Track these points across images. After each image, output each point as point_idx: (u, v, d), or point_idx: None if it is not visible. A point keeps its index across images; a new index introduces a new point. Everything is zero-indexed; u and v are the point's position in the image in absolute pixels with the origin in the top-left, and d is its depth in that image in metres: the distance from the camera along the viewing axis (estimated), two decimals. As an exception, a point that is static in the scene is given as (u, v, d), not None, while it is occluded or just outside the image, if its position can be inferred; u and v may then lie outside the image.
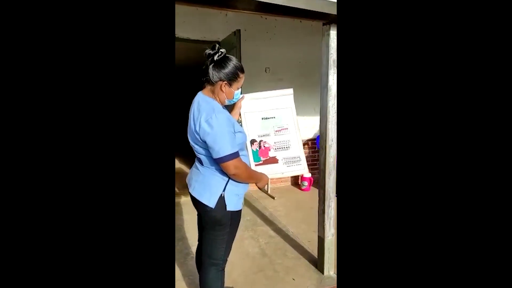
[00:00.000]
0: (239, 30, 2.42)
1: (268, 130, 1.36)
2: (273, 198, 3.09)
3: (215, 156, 1.04)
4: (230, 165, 1.04)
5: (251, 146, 1.33)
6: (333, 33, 1.52)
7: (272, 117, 1.36)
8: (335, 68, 1.57)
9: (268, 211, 2.75)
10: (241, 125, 1.32)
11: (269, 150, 1.35)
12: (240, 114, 1.33)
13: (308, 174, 3.36)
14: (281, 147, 1.37)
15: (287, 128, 1.37)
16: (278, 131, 1.36)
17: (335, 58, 1.56)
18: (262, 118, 1.36)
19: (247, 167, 1.14)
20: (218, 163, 1.06)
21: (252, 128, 1.34)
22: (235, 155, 1.04)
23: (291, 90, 1.39)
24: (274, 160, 1.34)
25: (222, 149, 1.02)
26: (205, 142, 1.05)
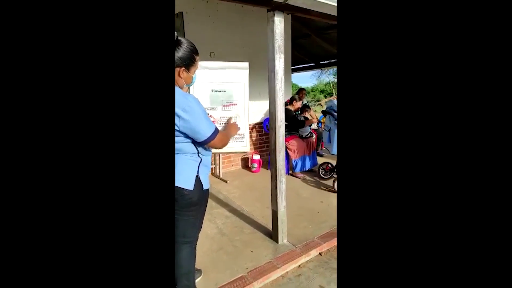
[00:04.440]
0: (182, 12, 2.35)
1: (216, 104, 1.29)
2: (226, 182, 3.17)
3: (201, 139, 1.06)
4: (216, 141, 1.10)
5: None
6: (277, 19, 1.62)
7: (222, 91, 1.29)
8: (281, 53, 1.68)
9: (222, 194, 2.83)
10: None
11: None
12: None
13: (257, 156, 3.52)
14: (227, 122, 1.31)
15: (236, 104, 1.32)
16: (226, 106, 1.31)
17: (280, 44, 1.66)
18: (212, 90, 1.29)
19: (225, 134, 1.18)
20: (204, 144, 1.09)
21: (200, 100, 1.30)
22: (216, 131, 1.10)
23: (247, 64, 1.34)
24: None
25: (205, 131, 1.06)
26: (184, 131, 1.04)
